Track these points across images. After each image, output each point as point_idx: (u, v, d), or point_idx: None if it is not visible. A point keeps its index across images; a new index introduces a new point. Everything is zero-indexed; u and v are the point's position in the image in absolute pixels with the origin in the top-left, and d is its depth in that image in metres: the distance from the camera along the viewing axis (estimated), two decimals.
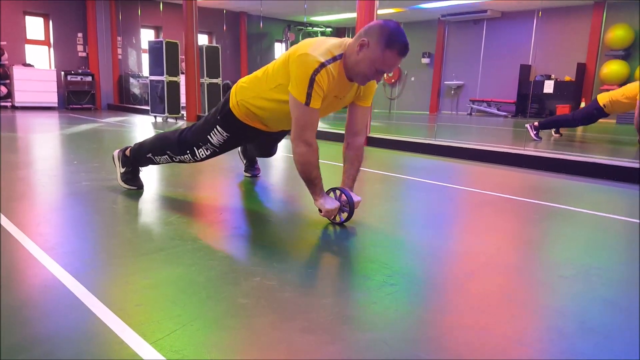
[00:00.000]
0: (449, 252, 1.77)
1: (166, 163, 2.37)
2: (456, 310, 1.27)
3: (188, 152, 2.23)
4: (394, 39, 1.71)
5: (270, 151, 2.75)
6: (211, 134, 2.15)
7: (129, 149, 2.46)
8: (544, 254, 1.78)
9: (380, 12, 5.47)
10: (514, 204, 2.57)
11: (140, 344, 1.02)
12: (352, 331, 1.12)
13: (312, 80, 1.74)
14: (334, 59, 1.78)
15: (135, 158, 2.43)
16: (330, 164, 3.41)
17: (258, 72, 2.04)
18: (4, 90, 8.93)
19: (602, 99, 5.08)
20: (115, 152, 2.50)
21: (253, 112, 2.05)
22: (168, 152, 2.29)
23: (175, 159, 2.30)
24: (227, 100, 2.12)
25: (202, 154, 2.22)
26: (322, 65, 1.74)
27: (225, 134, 2.13)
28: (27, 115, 7.66)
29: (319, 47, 1.79)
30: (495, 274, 1.54)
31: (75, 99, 9.65)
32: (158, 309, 1.21)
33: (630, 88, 4.93)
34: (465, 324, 1.18)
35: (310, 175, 1.90)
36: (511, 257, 1.73)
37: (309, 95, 1.75)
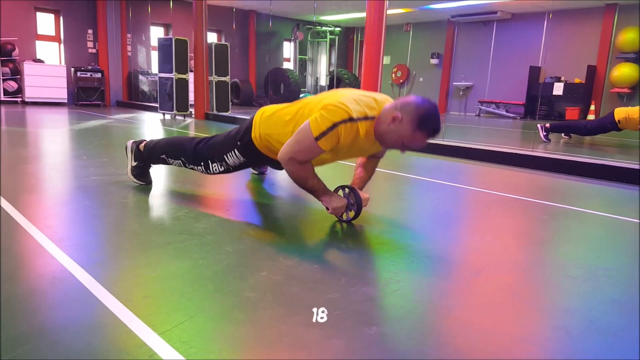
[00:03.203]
0: (456, 251, 1.76)
1: (178, 166, 2.39)
2: (462, 309, 1.27)
3: (202, 164, 2.24)
4: (427, 123, 1.71)
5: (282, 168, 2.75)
6: (228, 155, 2.15)
7: (143, 144, 2.47)
8: (552, 254, 1.77)
9: (390, 12, 5.47)
10: (523, 204, 2.56)
11: (149, 334, 1.03)
12: (358, 326, 1.12)
13: (334, 126, 1.73)
14: (366, 118, 1.78)
15: (149, 155, 2.45)
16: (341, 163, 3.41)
17: (288, 110, 1.99)
18: (15, 85, 9.02)
19: (619, 114, 5.04)
20: (129, 143, 2.51)
21: (276, 147, 2.00)
22: (182, 158, 2.31)
23: (188, 166, 2.32)
24: (249, 129, 2.08)
25: (216, 169, 2.23)
26: (352, 119, 1.74)
27: (242, 158, 2.13)
28: (36, 111, 7.73)
29: (355, 103, 1.78)
30: (502, 272, 1.54)
31: (85, 95, 9.72)
32: (166, 301, 1.22)
33: None
34: (472, 322, 1.18)
35: (307, 186, 1.91)
36: (519, 256, 1.72)
37: (323, 134, 1.74)
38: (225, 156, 2.16)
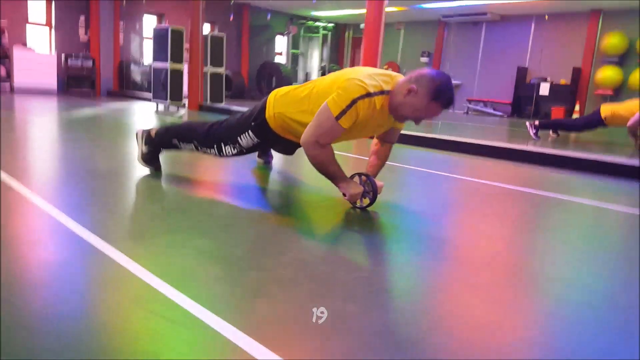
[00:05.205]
0: (466, 239, 1.85)
1: (189, 151, 2.42)
2: (479, 289, 1.35)
3: (215, 146, 2.28)
4: (442, 94, 1.78)
5: (292, 152, 2.80)
6: (242, 136, 2.20)
7: (154, 130, 2.51)
8: (549, 244, 1.87)
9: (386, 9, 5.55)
10: (522, 195, 2.67)
11: (193, 306, 1.09)
12: (389, 300, 1.20)
13: (353, 102, 1.79)
14: (382, 92, 1.84)
15: (161, 140, 2.47)
16: (353, 157, 3.48)
17: (302, 88, 2.06)
18: (3, 71, 8.86)
19: (605, 110, 5.20)
20: (139, 131, 2.54)
21: (291, 126, 2.08)
22: (195, 141, 2.34)
23: (200, 149, 2.34)
24: (263, 109, 2.14)
25: (229, 152, 2.27)
26: (369, 94, 1.81)
27: (255, 139, 2.19)
28: (27, 98, 7.61)
29: (371, 77, 1.85)
30: (505, 264, 1.63)
31: (75, 83, 9.60)
32: (204, 276, 1.28)
33: (633, 104, 5.06)
34: (475, 314, 1.27)
35: (328, 171, 1.97)
36: (521, 245, 1.82)
37: (343, 112, 1.80)
38: (238, 137, 2.21)
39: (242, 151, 2.26)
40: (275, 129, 2.13)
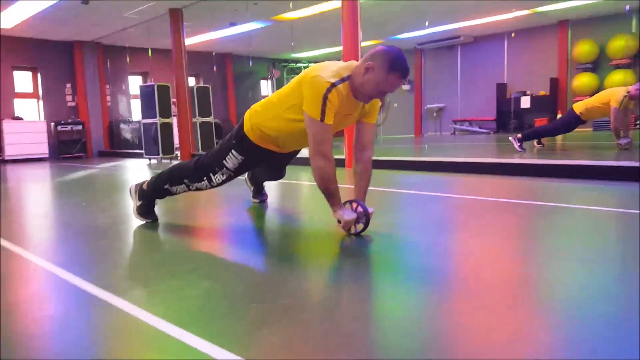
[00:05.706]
0: (458, 253, 1.90)
1: (183, 192, 2.48)
2: (475, 303, 1.40)
3: (205, 178, 2.35)
4: (396, 64, 1.92)
5: (280, 173, 2.87)
6: (227, 158, 2.29)
7: (145, 183, 2.57)
8: (543, 249, 1.93)
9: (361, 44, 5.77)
10: (511, 207, 2.73)
11: (202, 344, 1.13)
12: (392, 320, 1.24)
13: (324, 99, 1.92)
14: (343, 79, 1.97)
15: (154, 189, 2.53)
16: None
17: (271, 98, 2.21)
18: None
19: (578, 107, 5.41)
20: (132, 186, 2.60)
21: (267, 134, 2.20)
22: (185, 180, 2.40)
23: (192, 187, 2.41)
24: (241, 126, 2.27)
25: (219, 179, 2.34)
26: (333, 85, 1.93)
27: (240, 157, 2.28)
28: (19, 168, 7.70)
29: (329, 70, 1.98)
30: (498, 268, 1.68)
31: (66, 148, 9.72)
32: (209, 315, 1.32)
33: (603, 94, 5.33)
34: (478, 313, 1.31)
35: (329, 188, 2.04)
36: (511, 254, 1.87)
37: (323, 112, 1.93)
38: (224, 161, 2.30)
39: (231, 175, 2.34)
40: (255, 140, 2.24)
